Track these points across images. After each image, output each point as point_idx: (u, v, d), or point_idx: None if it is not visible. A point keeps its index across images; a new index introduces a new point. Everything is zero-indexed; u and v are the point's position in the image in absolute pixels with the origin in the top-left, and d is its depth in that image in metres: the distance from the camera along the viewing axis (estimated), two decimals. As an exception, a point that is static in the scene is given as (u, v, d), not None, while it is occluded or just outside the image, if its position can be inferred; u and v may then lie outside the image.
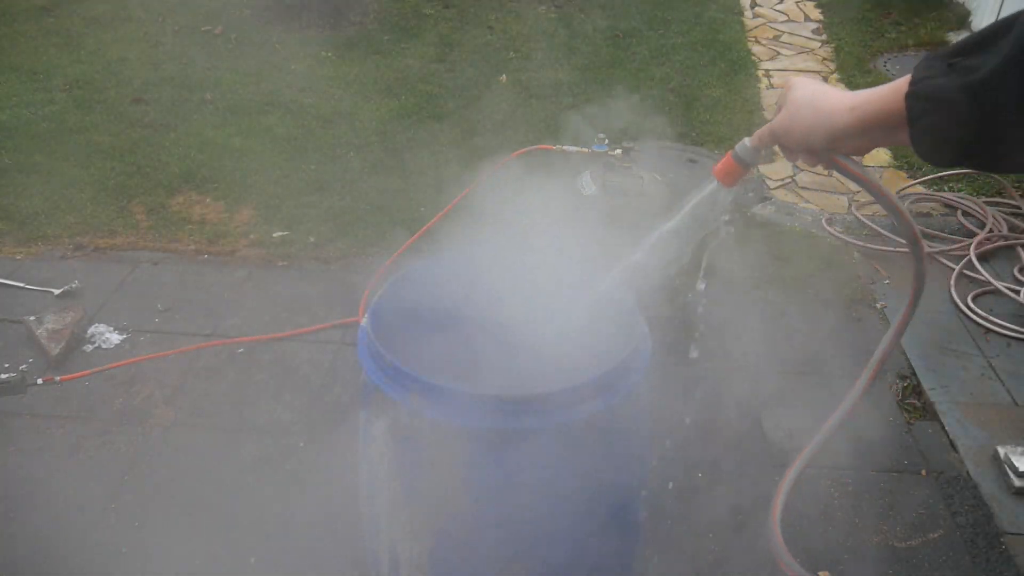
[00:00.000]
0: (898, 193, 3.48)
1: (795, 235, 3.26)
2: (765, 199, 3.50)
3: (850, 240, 3.22)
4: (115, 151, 3.86)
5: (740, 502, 2.15)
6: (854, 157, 1.02)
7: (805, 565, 2.00)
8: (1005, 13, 1.10)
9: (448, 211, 2.87)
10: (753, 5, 5.80)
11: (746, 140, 1.08)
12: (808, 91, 0.98)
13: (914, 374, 2.59)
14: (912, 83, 0.86)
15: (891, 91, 0.88)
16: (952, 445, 2.34)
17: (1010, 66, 0.76)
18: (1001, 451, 2.25)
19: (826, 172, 3.77)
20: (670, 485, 2.18)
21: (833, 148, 0.98)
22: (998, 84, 0.77)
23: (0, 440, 2.33)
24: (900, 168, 3.77)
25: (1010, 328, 2.75)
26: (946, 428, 2.39)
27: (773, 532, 1.20)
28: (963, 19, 5.12)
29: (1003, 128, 0.79)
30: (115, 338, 2.72)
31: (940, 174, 3.59)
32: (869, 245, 3.20)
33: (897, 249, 3.17)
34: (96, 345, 2.69)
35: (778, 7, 5.75)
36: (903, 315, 1.16)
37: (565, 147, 2.63)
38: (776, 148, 1.07)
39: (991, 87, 0.78)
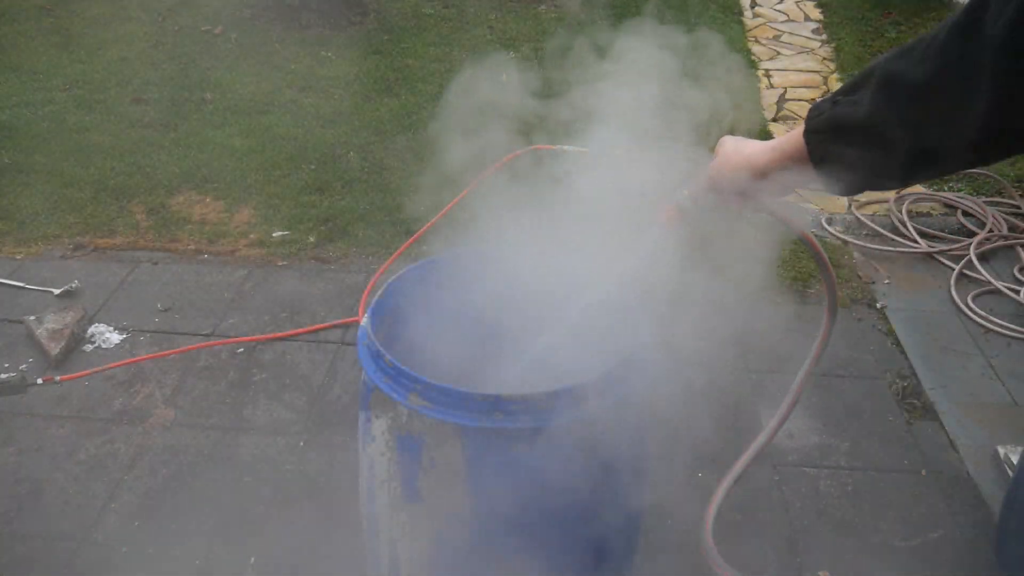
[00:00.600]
0: (899, 193, 3.49)
1: (795, 235, 3.26)
2: (765, 199, 3.50)
3: (850, 240, 3.23)
4: (115, 151, 3.86)
5: (741, 501, 2.15)
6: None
7: (806, 565, 2.00)
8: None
9: (448, 211, 2.87)
10: (753, 5, 5.80)
11: (685, 191, 1.23)
12: (735, 142, 1.14)
13: (914, 374, 2.59)
14: (806, 122, 1.01)
15: (799, 131, 1.03)
16: (952, 445, 2.34)
17: (879, 99, 0.91)
18: (1001, 451, 2.25)
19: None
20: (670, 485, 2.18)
21: (759, 189, 1.12)
22: (876, 115, 0.91)
23: (0, 440, 2.33)
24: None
25: (1010, 328, 2.75)
26: (946, 428, 2.39)
27: (707, 542, 1.30)
28: (963, 19, 5.12)
29: (892, 150, 0.91)
30: (115, 338, 2.72)
31: (940, 174, 3.59)
32: (869, 245, 3.20)
33: (897, 249, 3.17)
34: (96, 345, 2.69)
35: (778, 7, 5.76)
36: (819, 340, 1.35)
37: (565, 147, 2.62)
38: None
39: (872, 116, 0.92)
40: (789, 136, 1.04)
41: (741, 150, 1.12)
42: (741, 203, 1.15)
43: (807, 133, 1.01)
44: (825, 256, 1.22)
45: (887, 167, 0.93)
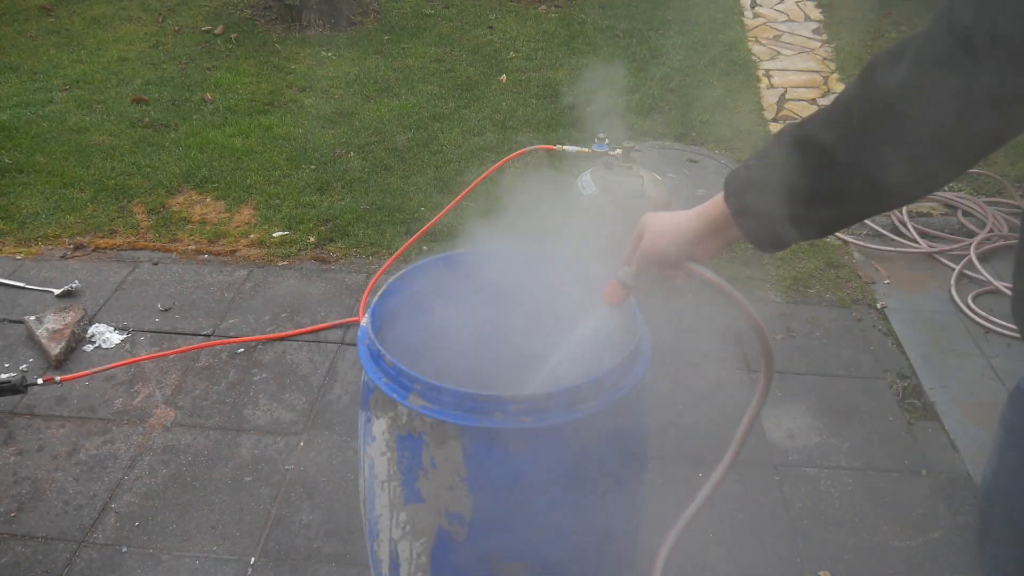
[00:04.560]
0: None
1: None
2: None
3: (850, 240, 3.23)
4: (115, 151, 3.86)
5: (741, 501, 2.16)
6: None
7: (806, 565, 2.00)
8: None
9: (448, 211, 2.87)
10: (753, 5, 5.80)
11: (627, 268, 1.24)
12: (661, 215, 1.19)
13: (914, 374, 2.59)
14: (725, 187, 1.08)
15: (720, 196, 1.10)
16: (952, 445, 2.34)
17: (789, 161, 0.99)
18: (1001, 451, 2.25)
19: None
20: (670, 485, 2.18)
21: (691, 254, 1.16)
22: (785, 175, 0.99)
23: (0, 440, 2.33)
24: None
25: (1010, 328, 2.75)
26: (946, 428, 2.39)
27: None
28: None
29: (803, 207, 0.99)
30: (115, 338, 2.72)
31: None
32: (869, 245, 3.20)
33: (897, 249, 3.17)
34: (96, 345, 2.69)
35: (778, 7, 5.76)
36: (757, 399, 1.33)
37: (565, 147, 2.63)
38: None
39: (782, 177, 1.00)
40: (713, 201, 1.11)
41: (671, 221, 1.17)
42: (678, 275, 1.21)
43: (727, 197, 1.08)
44: (762, 325, 1.24)
45: (802, 222, 1.01)
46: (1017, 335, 2.73)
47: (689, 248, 1.15)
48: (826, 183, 0.97)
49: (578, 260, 1.59)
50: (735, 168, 1.08)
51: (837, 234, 3.26)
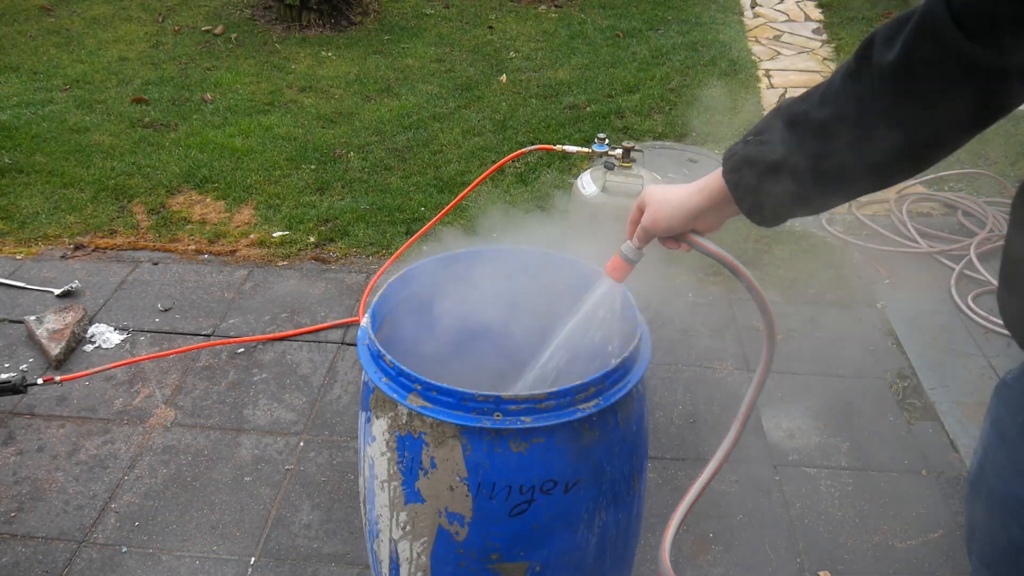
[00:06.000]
0: (899, 193, 3.49)
1: (795, 235, 3.26)
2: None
3: (850, 240, 3.23)
4: (115, 151, 3.86)
5: (741, 501, 2.16)
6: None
7: (806, 565, 2.00)
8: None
9: (448, 211, 2.87)
10: (753, 5, 5.80)
11: (630, 242, 1.26)
12: (663, 190, 1.20)
13: (914, 374, 2.59)
14: (723, 163, 1.09)
15: (720, 171, 1.10)
16: (952, 445, 2.34)
17: (786, 137, 1.00)
18: (1001, 451, 2.25)
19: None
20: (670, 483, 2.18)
21: (692, 228, 1.17)
22: (784, 152, 1.00)
23: (0, 440, 2.33)
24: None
25: (1010, 328, 2.74)
26: (946, 428, 2.39)
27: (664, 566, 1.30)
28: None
29: (802, 182, 1.00)
30: (115, 338, 2.72)
31: (940, 174, 3.59)
32: (869, 245, 3.20)
33: (897, 249, 3.17)
34: (96, 345, 2.69)
35: (778, 7, 5.76)
36: (760, 373, 1.31)
37: (565, 147, 2.63)
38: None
39: (780, 153, 1.00)
40: (712, 176, 1.11)
41: (670, 197, 1.18)
42: (678, 246, 1.22)
43: (725, 174, 1.08)
44: (762, 293, 1.23)
45: (800, 197, 1.02)
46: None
47: (690, 222, 1.17)
48: (821, 160, 0.97)
49: (578, 260, 1.59)
50: (732, 145, 1.08)
51: (837, 234, 3.26)
